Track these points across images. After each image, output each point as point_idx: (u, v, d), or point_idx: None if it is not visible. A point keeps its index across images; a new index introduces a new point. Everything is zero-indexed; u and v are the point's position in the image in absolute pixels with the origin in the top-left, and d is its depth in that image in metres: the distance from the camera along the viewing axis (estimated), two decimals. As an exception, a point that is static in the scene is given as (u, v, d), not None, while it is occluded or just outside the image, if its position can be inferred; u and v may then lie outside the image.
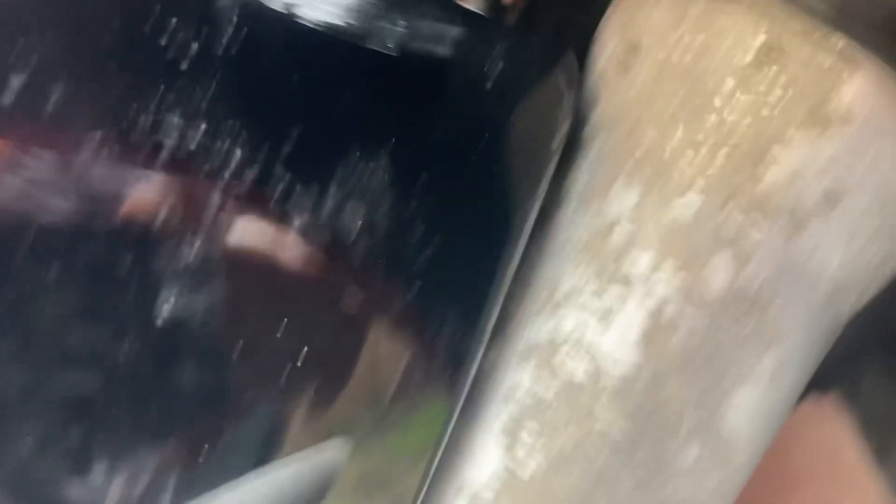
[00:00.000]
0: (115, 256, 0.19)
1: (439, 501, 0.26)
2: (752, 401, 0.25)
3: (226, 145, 0.19)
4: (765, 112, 0.24)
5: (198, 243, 0.19)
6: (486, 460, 0.25)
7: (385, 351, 0.23)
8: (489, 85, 0.23)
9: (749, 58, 0.24)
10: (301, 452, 0.22)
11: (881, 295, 0.28)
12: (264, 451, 0.22)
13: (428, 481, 0.25)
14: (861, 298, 0.27)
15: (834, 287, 0.25)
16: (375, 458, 0.24)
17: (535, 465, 0.25)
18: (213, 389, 0.21)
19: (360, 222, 0.21)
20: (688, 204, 0.24)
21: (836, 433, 0.64)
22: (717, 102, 0.24)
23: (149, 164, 0.19)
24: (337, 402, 0.23)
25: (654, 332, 0.24)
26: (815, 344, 0.26)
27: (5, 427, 0.19)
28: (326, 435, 0.23)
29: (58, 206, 0.19)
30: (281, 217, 0.20)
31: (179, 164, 0.19)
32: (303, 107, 0.21)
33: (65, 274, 0.19)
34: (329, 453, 0.23)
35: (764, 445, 0.27)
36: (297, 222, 0.21)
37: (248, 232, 0.20)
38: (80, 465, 0.19)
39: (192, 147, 0.19)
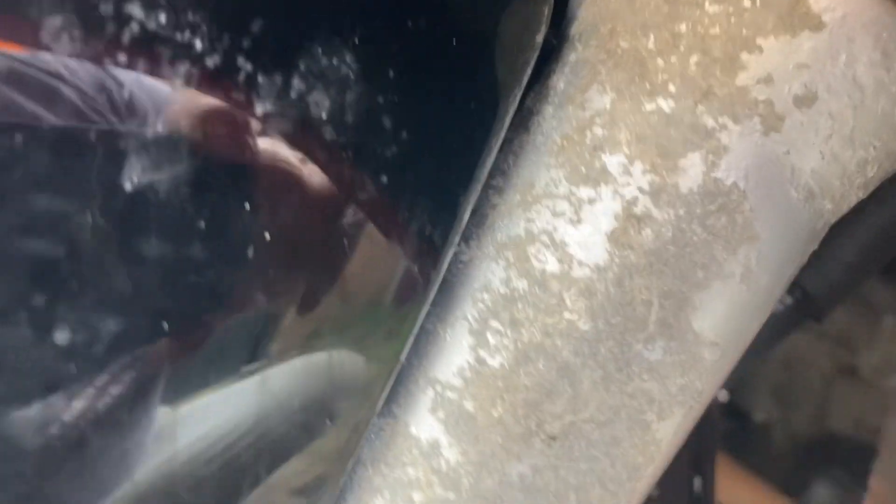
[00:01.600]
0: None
1: (408, 393, 0.27)
2: (722, 300, 0.26)
3: (191, 30, 0.20)
4: (734, 20, 0.24)
5: (165, 129, 0.20)
6: (456, 353, 0.26)
7: (361, 242, 0.24)
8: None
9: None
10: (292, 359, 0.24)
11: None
12: (248, 352, 0.23)
13: (396, 372, 0.26)
14: (838, 207, 0.27)
15: (808, 192, 0.26)
16: (345, 351, 0.25)
17: (503, 356, 0.26)
18: (189, 286, 0.22)
19: (336, 109, 0.22)
20: (659, 107, 0.25)
21: None
22: (688, 11, 0.25)
23: (115, 47, 0.19)
24: (312, 294, 0.24)
25: (625, 227, 0.25)
26: (789, 249, 0.26)
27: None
28: (307, 332, 0.24)
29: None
30: (251, 102, 0.21)
31: (144, 46, 0.20)
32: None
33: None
34: (320, 361, 0.24)
35: (736, 351, 0.28)
36: (273, 108, 0.22)
37: (215, 117, 0.21)
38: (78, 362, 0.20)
39: (156, 31, 0.20)
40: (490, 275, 0.26)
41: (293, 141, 0.22)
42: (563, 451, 0.26)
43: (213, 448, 0.23)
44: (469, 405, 0.26)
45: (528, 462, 0.25)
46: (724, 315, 0.26)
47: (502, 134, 0.26)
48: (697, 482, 0.72)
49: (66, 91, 0.19)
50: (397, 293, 0.25)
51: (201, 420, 0.23)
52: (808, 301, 0.43)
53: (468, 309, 0.26)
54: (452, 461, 0.26)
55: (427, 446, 0.26)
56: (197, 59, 0.20)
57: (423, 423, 0.26)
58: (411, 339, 0.26)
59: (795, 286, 0.43)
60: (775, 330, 0.43)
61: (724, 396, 1.25)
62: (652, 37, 0.25)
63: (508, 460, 0.25)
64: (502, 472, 0.25)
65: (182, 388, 0.22)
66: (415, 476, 0.26)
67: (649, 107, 0.25)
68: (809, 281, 0.43)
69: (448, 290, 0.27)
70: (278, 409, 0.24)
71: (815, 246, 0.28)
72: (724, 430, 1.21)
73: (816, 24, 0.24)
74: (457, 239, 0.26)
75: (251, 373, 0.23)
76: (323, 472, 0.26)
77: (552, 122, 0.27)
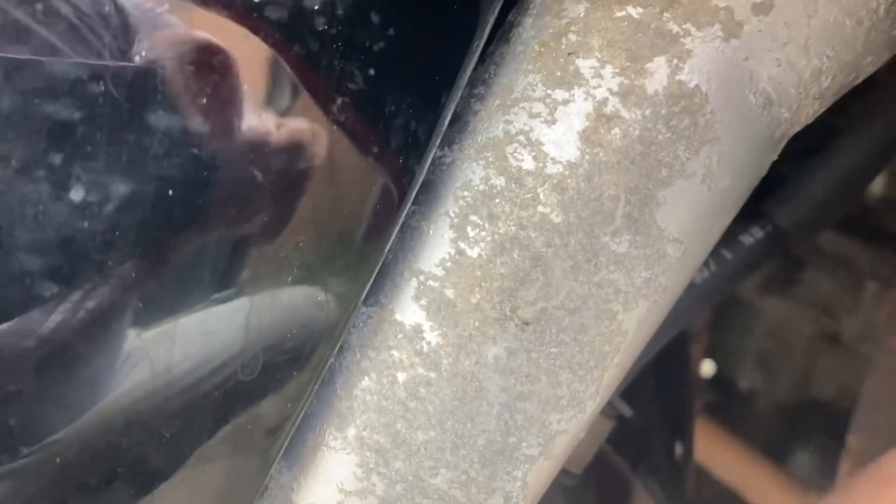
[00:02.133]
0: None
1: (394, 284, 0.29)
2: (684, 198, 0.28)
3: None
4: (701, -77, 0.26)
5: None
6: (438, 246, 0.28)
7: (343, 138, 0.26)
8: None
9: None
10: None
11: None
12: (229, 273, 0.25)
13: (379, 264, 0.28)
14: (796, 116, 0.29)
15: (766, 98, 0.28)
16: (329, 245, 0.27)
17: (481, 247, 0.28)
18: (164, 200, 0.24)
19: (323, 3, 0.24)
20: (628, 14, 0.27)
21: None
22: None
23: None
24: (293, 182, 0.25)
25: (595, 126, 0.27)
26: (748, 154, 0.28)
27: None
28: (288, 243, 0.26)
29: None
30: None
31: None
32: None
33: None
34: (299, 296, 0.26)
35: (699, 251, 0.30)
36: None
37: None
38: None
39: None
40: (471, 174, 0.28)
41: (274, 33, 0.24)
42: (535, 336, 0.28)
43: (182, 380, 0.24)
44: (449, 293, 0.28)
45: (502, 345, 0.27)
46: (686, 213, 0.28)
47: (482, 40, 0.28)
48: (679, 448, 0.74)
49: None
50: (383, 189, 0.27)
51: (169, 350, 0.24)
52: (778, 235, 0.45)
53: (450, 205, 0.28)
54: (433, 343, 0.28)
55: (410, 331, 0.28)
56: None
57: (407, 309, 0.28)
58: (394, 233, 0.27)
59: (767, 220, 0.45)
60: (747, 261, 0.45)
61: (711, 370, 1.28)
62: (623, -50, 0.27)
63: (485, 343, 0.27)
64: (479, 353, 0.27)
65: (149, 312, 0.23)
66: (399, 358, 0.28)
67: (619, 14, 0.27)
68: (780, 216, 0.45)
69: (432, 190, 0.29)
70: (248, 343, 0.25)
71: (774, 156, 0.30)
72: (710, 398, 1.24)
73: (774, -64, 0.25)
74: (438, 139, 0.28)
75: (224, 299, 0.24)
76: (288, 411, 0.27)
77: (531, 32, 0.29)
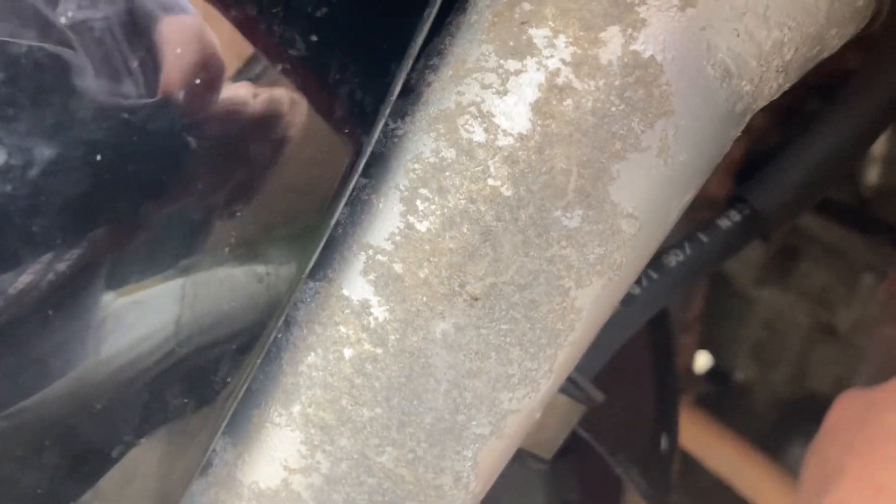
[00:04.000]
0: None
1: (342, 258, 0.28)
2: (639, 172, 0.27)
3: None
4: None
5: None
6: (387, 219, 0.28)
7: (284, 105, 0.25)
8: None
9: None
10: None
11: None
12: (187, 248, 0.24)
13: (324, 238, 0.27)
14: (758, 90, 0.28)
15: (724, 70, 0.27)
16: (269, 215, 0.26)
17: (430, 221, 0.27)
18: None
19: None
20: (584, -20, 0.26)
21: None
22: None
23: None
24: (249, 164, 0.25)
25: (547, 97, 0.26)
26: (707, 128, 0.28)
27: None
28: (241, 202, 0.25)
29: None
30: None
31: None
32: None
33: None
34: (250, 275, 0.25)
35: (657, 227, 0.29)
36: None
37: None
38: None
39: None
40: (422, 146, 0.27)
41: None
42: (484, 312, 0.27)
43: (116, 353, 0.24)
44: (398, 267, 0.27)
45: (451, 321, 0.27)
46: (641, 187, 0.27)
47: (434, 8, 0.27)
48: (664, 441, 0.73)
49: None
50: (328, 160, 0.26)
51: (101, 322, 0.24)
52: (755, 218, 0.44)
53: (400, 178, 0.28)
54: (381, 319, 0.27)
55: (358, 306, 0.27)
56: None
57: (355, 284, 0.27)
58: (340, 206, 0.27)
59: (744, 203, 0.45)
60: (724, 245, 0.44)
61: (706, 362, 1.27)
62: (578, -83, 0.26)
63: (433, 318, 0.27)
64: (427, 329, 0.27)
65: (83, 284, 0.23)
66: (346, 333, 0.27)
67: (573, -17, 0.26)
68: (757, 199, 0.44)
69: (384, 163, 0.28)
70: (184, 315, 0.25)
71: (737, 131, 0.29)
72: (705, 390, 1.23)
73: None
74: (387, 110, 0.27)
75: (158, 270, 0.24)
76: (228, 386, 0.27)
77: (486, 1, 0.28)
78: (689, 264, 0.44)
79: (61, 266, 0.23)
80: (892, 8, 0.31)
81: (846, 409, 0.46)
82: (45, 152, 0.21)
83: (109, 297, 0.23)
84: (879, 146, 0.97)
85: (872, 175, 0.99)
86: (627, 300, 0.44)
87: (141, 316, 0.24)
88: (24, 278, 0.22)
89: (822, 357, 1.15)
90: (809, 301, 1.12)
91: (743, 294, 1.17)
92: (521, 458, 0.44)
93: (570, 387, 0.44)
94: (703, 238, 0.44)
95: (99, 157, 0.22)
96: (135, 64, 0.22)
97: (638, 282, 0.44)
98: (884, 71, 0.44)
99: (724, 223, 0.44)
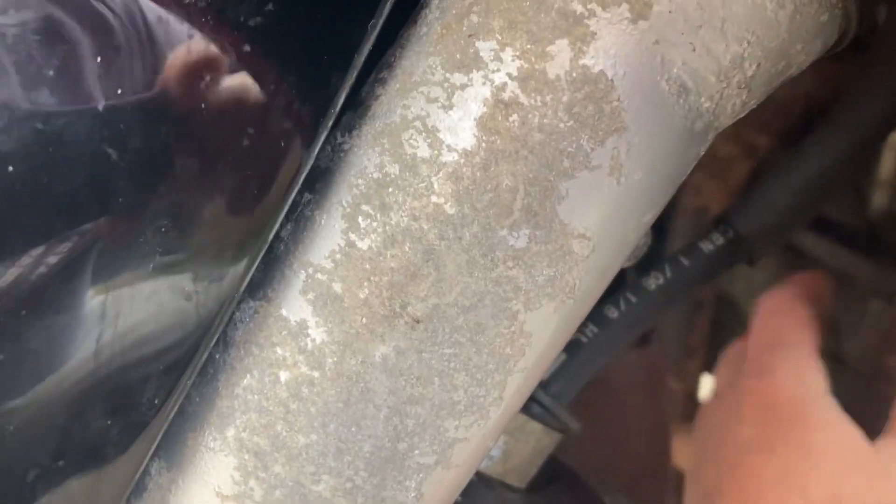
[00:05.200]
0: None
1: (283, 276, 0.27)
2: (590, 192, 0.26)
3: None
4: None
5: None
6: (328, 237, 0.26)
7: (214, 117, 0.24)
8: None
9: None
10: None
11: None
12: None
13: (260, 255, 0.26)
14: (720, 107, 0.27)
15: (680, 86, 0.26)
16: (198, 231, 0.25)
17: (372, 239, 0.26)
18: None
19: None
20: (531, -7, 0.25)
21: None
22: None
23: None
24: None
25: (493, 112, 0.25)
26: (664, 146, 0.26)
27: None
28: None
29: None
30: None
31: None
32: None
33: None
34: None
35: (612, 249, 0.28)
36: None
37: None
38: None
39: None
40: (366, 161, 0.26)
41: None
42: (426, 335, 0.26)
43: (31, 372, 0.23)
44: (337, 286, 0.26)
45: (391, 344, 0.26)
46: (593, 207, 0.26)
47: (380, 19, 0.26)
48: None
49: None
50: (263, 173, 0.25)
51: (17, 338, 0.23)
52: (738, 242, 0.43)
53: (343, 195, 0.27)
54: (318, 341, 0.26)
55: (295, 326, 0.26)
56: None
57: (294, 304, 0.26)
58: (278, 222, 0.26)
59: (727, 226, 0.43)
60: (705, 269, 0.43)
61: (711, 386, 1.24)
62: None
63: (372, 341, 0.26)
64: (366, 352, 0.26)
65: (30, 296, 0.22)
66: (282, 355, 0.26)
67: (521, -5, 0.25)
68: (741, 222, 0.43)
69: (328, 178, 0.27)
70: (106, 334, 0.24)
71: (700, 150, 0.28)
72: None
73: None
74: (329, 122, 0.26)
75: (77, 286, 0.23)
76: (155, 407, 0.26)
77: (436, 13, 0.27)
78: (669, 288, 0.42)
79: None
80: (878, 28, 0.30)
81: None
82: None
83: (26, 313, 0.22)
84: (886, 169, 0.95)
85: (879, 199, 0.97)
86: (604, 324, 0.42)
87: (59, 333, 0.23)
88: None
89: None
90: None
91: (749, 318, 1.15)
92: (491, 486, 0.43)
93: (544, 414, 0.42)
94: (684, 261, 0.43)
95: (10, 168, 0.21)
96: (51, 70, 0.21)
97: (616, 305, 0.43)
98: (871, 90, 0.43)
99: (706, 246, 0.43)
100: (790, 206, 0.42)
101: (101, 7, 0.22)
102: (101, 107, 0.22)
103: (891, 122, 0.43)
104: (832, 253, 0.94)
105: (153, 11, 0.22)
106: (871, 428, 0.82)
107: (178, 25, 0.23)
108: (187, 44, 0.23)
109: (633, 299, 0.42)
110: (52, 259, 0.22)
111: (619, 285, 0.41)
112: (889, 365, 0.83)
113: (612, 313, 0.43)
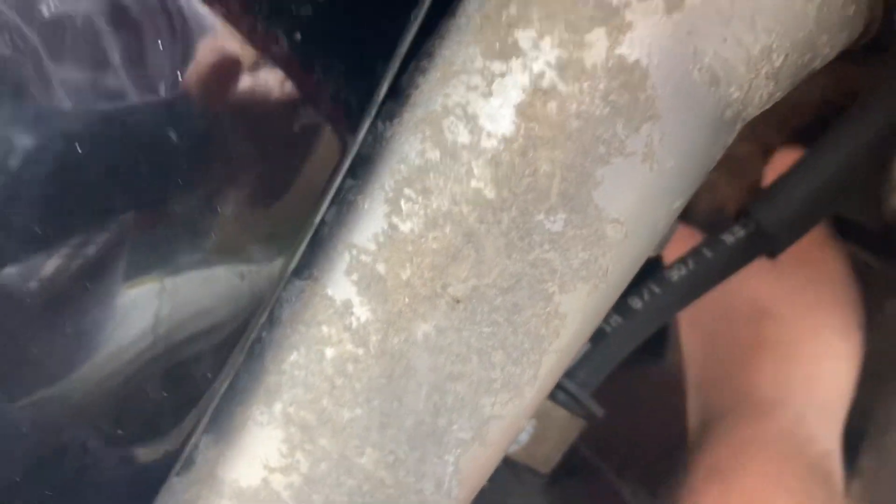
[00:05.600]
0: None
1: (327, 257, 0.28)
2: (624, 177, 0.27)
3: None
4: None
5: None
6: (372, 220, 0.28)
7: (266, 103, 0.25)
8: None
9: None
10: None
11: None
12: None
13: (308, 237, 0.27)
14: (748, 97, 0.28)
15: (712, 75, 0.27)
16: (250, 212, 0.26)
17: (414, 222, 0.27)
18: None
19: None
20: (570, -16, 0.26)
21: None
22: None
23: None
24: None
25: (532, 99, 0.26)
26: (695, 134, 0.27)
27: None
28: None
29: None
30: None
31: None
32: None
33: None
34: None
35: (644, 234, 0.29)
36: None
37: None
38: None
39: None
40: (408, 148, 0.28)
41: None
42: (466, 314, 0.27)
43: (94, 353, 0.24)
44: (381, 268, 0.27)
45: (432, 322, 0.27)
46: (626, 193, 0.27)
47: (422, 9, 0.27)
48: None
49: None
50: (311, 158, 0.27)
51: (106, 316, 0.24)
52: (761, 235, 0.44)
53: (386, 180, 0.28)
54: (363, 319, 0.27)
55: (341, 306, 0.27)
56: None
57: (339, 284, 0.27)
58: (325, 203, 0.27)
59: (750, 220, 0.44)
60: (728, 260, 0.44)
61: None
62: (566, -78, 0.26)
63: (414, 320, 0.27)
64: (408, 330, 0.27)
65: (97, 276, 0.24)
66: (328, 333, 0.27)
67: (559, -14, 0.26)
68: (763, 215, 0.44)
69: (371, 165, 0.28)
70: (163, 311, 0.25)
71: (729, 138, 0.29)
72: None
73: None
74: (373, 111, 0.27)
75: (138, 268, 0.24)
76: (208, 382, 0.27)
77: (475, 4, 0.28)
78: (692, 279, 0.43)
79: (50, 265, 0.23)
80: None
81: None
82: (25, 142, 0.21)
83: (92, 293, 0.24)
84: (903, 170, 0.96)
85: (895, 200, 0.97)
86: (629, 314, 0.43)
87: (121, 308, 0.24)
88: (16, 275, 0.23)
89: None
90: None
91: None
92: (517, 472, 0.44)
93: (569, 401, 0.43)
94: (707, 253, 0.44)
95: (80, 152, 0.22)
96: (117, 60, 0.22)
97: (640, 295, 0.44)
98: (890, 87, 0.44)
99: (728, 238, 0.44)
100: (810, 201, 0.43)
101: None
102: (163, 93, 0.23)
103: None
104: (849, 253, 0.94)
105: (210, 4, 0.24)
106: (878, 428, 0.83)
107: (231, 16, 0.24)
108: (241, 36, 0.24)
109: (657, 290, 0.43)
110: (116, 238, 0.23)
111: (643, 276, 0.42)
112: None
113: (636, 304, 0.44)
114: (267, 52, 0.25)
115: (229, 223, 0.25)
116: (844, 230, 0.92)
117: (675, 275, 0.44)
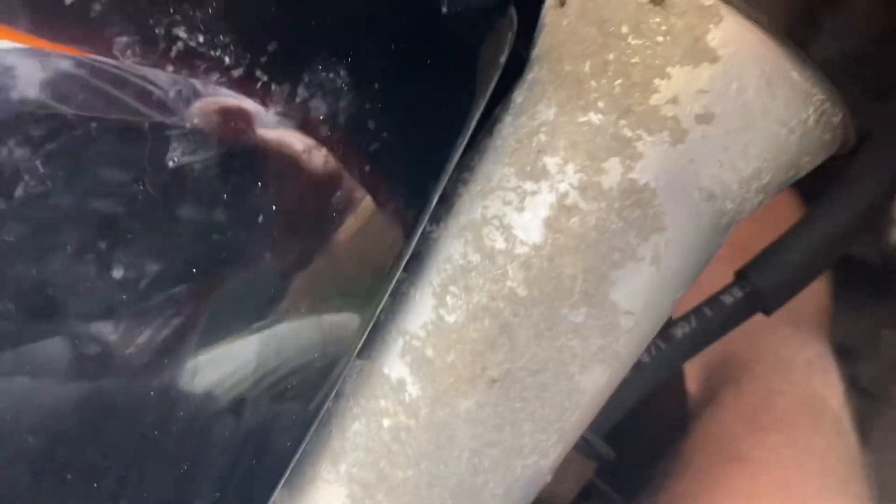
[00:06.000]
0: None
1: (383, 341, 0.33)
2: (635, 278, 0.32)
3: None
4: (650, 51, 0.30)
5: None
6: (422, 311, 0.33)
7: (351, 221, 0.31)
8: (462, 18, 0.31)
9: (638, 8, 0.31)
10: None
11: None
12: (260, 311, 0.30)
13: (372, 323, 0.32)
14: (741, 207, 0.33)
15: (709, 194, 0.32)
16: (334, 305, 0.32)
17: (458, 314, 0.32)
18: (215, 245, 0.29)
19: (332, 112, 0.29)
20: (590, 120, 0.31)
21: (826, 384, 0.68)
22: (615, 43, 0.31)
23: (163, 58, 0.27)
24: (309, 259, 0.31)
25: (558, 215, 0.31)
26: (695, 240, 0.33)
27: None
28: (306, 292, 0.31)
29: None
30: (265, 104, 0.28)
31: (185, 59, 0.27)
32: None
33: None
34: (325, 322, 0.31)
35: (651, 322, 0.34)
36: (281, 109, 0.29)
37: (236, 115, 0.28)
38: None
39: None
40: (452, 250, 0.33)
41: (300, 131, 0.29)
42: (501, 392, 0.32)
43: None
44: (429, 352, 0.32)
45: (473, 399, 0.32)
46: (637, 290, 0.32)
47: (467, 136, 0.32)
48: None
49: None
50: (379, 261, 0.32)
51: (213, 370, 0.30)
52: (756, 296, 0.49)
53: (433, 276, 0.33)
54: (414, 395, 0.32)
55: (396, 383, 0.33)
56: (225, 70, 0.27)
57: (394, 365, 0.33)
58: (384, 299, 0.32)
59: (746, 282, 0.49)
60: (726, 319, 0.49)
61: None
62: (588, 62, 0.32)
63: (457, 397, 0.32)
64: (452, 405, 0.32)
65: (204, 336, 0.29)
66: (385, 406, 0.33)
67: (582, 119, 0.32)
68: (758, 278, 0.49)
69: (420, 261, 0.34)
70: (277, 359, 0.30)
71: (723, 240, 0.34)
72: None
73: (713, 58, 0.30)
74: (426, 219, 0.32)
75: (258, 329, 0.30)
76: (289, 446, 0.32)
77: (510, 129, 0.33)
78: (694, 336, 0.49)
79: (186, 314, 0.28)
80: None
81: None
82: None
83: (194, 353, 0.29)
84: (902, 207, 1.00)
85: (895, 235, 1.02)
86: (637, 367, 0.48)
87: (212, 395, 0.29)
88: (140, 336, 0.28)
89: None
90: (832, 353, 1.14)
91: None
92: (537, 507, 0.49)
93: (583, 445, 0.48)
94: (708, 312, 0.49)
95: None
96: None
97: (648, 350, 0.49)
98: (883, 149, 0.49)
99: (726, 299, 0.49)
100: (803, 264, 0.48)
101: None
102: (260, 221, 0.28)
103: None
104: (847, 286, 0.99)
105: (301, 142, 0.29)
106: (875, 448, 0.88)
107: (318, 154, 0.29)
108: (332, 167, 0.29)
109: (663, 346, 0.49)
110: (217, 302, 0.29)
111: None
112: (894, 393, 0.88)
113: (645, 358, 0.49)
114: (346, 179, 0.30)
115: (321, 302, 0.30)
116: (844, 263, 0.97)
117: (680, 332, 0.49)
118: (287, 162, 0.29)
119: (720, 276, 0.49)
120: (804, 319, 0.82)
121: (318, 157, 0.29)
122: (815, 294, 0.91)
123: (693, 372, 0.70)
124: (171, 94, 0.27)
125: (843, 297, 1.04)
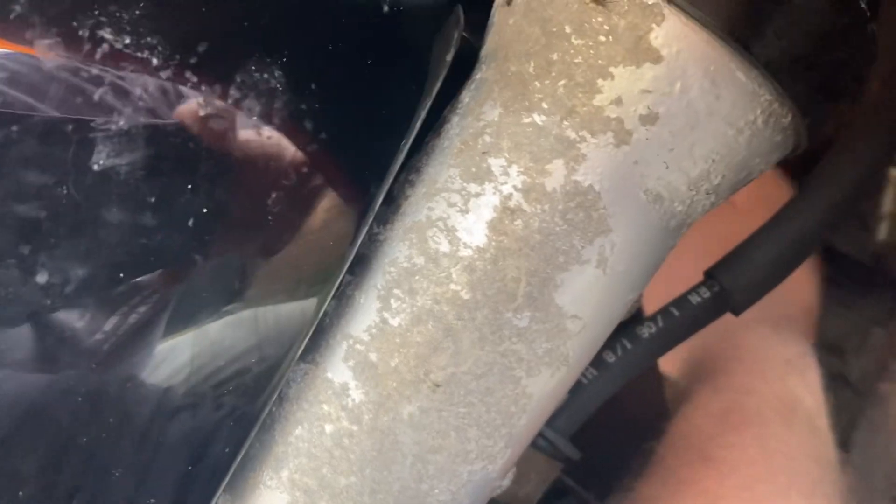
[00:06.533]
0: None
1: (327, 345, 0.33)
2: (581, 281, 0.32)
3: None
4: (592, 51, 0.30)
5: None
6: (366, 314, 0.32)
7: (296, 219, 0.30)
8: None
9: (580, 7, 0.30)
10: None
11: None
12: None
13: (313, 328, 0.32)
14: (691, 209, 0.32)
15: (656, 195, 0.31)
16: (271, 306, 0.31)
17: (402, 318, 0.32)
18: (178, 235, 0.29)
19: (267, 112, 0.29)
20: (534, 121, 0.31)
21: (803, 383, 0.68)
22: (559, 43, 0.30)
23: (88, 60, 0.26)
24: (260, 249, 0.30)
25: (502, 217, 0.31)
26: (643, 242, 0.32)
27: None
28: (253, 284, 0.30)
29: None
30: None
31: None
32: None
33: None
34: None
35: (601, 325, 0.33)
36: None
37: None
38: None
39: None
40: (397, 252, 0.32)
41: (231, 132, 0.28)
42: (445, 397, 0.32)
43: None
44: (373, 356, 0.32)
45: (416, 404, 0.32)
46: (583, 293, 0.32)
47: (412, 136, 0.32)
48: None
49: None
50: (320, 263, 0.32)
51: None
52: (724, 296, 0.48)
53: (378, 279, 0.32)
54: (357, 400, 0.32)
55: (339, 388, 0.32)
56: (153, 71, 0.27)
57: (337, 369, 0.32)
58: (328, 300, 0.32)
59: (714, 281, 0.49)
60: (692, 319, 0.48)
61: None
62: (532, 62, 0.31)
63: (401, 401, 0.32)
64: (396, 410, 0.32)
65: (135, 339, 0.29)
66: (328, 411, 0.32)
67: (526, 120, 0.31)
68: (726, 279, 0.48)
69: (366, 263, 0.33)
70: (212, 356, 0.30)
71: (674, 242, 0.34)
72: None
73: (656, 58, 0.29)
74: (370, 221, 0.32)
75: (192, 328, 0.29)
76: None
77: (456, 129, 0.33)
78: (660, 336, 0.48)
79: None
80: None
81: None
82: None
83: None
84: (889, 203, 1.00)
85: (883, 231, 1.01)
86: (603, 367, 0.48)
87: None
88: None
89: (833, 406, 1.17)
90: (822, 350, 1.14)
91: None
92: (500, 510, 0.49)
93: (548, 446, 0.48)
94: (675, 312, 0.49)
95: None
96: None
97: (614, 350, 0.49)
98: (849, 151, 0.48)
99: (694, 299, 0.49)
100: (770, 264, 0.48)
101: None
102: (191, 224, 0.28)
103: (867, 188, 0.48)
104: (836, 283, 0.98)
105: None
106: (856, 444, 0.87)
107: (253, 153, 0.29)
108: (267, 168, 0.29)
109: (629, 346, 0.48)
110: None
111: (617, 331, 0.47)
112: (881, 391, 0.88)
113: (610, 358, 0.48)
114: (292, 174, 0.30)
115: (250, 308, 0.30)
116: (832, 260, 0.97)
117: (646, 332, 0.48)
118: (220, 163, 0.28)
119: None
120: (787, 319, 0.81)
121: (253, 156, 0.29)
122: (801, 293, 0.90)
123: (670, 370, 0.70)
124: (97, 95, 0.26)
125: (831, 294, 1.04)
